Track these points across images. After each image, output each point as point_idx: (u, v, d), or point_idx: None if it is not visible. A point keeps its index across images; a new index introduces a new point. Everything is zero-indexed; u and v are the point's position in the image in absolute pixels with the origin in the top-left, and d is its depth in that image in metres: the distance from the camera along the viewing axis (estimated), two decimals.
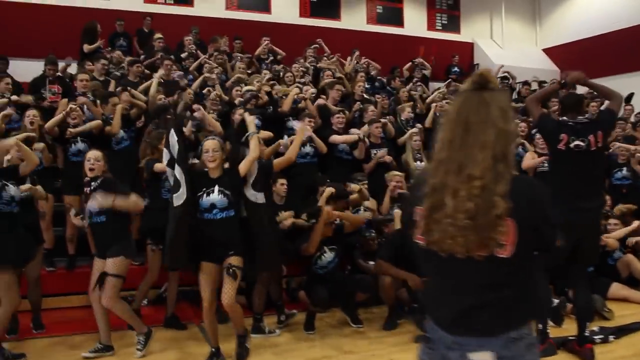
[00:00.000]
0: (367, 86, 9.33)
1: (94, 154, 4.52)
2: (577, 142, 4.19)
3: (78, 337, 4.86)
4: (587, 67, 13.24)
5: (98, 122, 6.06)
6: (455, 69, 13.38)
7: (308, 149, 6.80)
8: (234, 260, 4.14)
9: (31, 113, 5.62)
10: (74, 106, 5.87)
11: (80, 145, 5.85)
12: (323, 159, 6.92)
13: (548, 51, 15.79)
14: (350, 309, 5.33)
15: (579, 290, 4.35)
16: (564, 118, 4.33)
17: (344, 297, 5.27)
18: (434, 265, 1.75)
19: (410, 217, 1.80)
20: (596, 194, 4.32)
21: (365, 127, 7.09)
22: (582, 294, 4.32)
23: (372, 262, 5.74)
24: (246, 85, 7.86)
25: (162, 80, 7.54)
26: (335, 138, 6.88)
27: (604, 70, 13.10)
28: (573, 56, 14.48)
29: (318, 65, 9.81)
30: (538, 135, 7.03)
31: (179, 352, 4.61)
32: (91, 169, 4.45)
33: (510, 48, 15.20)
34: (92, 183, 4.44)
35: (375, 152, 6.97)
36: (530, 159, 6.97)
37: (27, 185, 4.67)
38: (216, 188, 4.19)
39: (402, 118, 7.91)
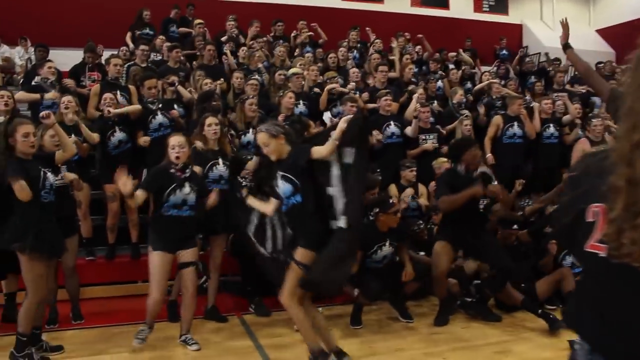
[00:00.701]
0: (415, 70, 8.93)
1: (177, 141, 4.22)
2: None
3: (116, 329, 4.71)
4: None
5: (137, 106, 5.88)
6: (504, 52, 12.82)
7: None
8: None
9: (66, 99, 5.45)
10: (110, 95, 5.74)
11: (119, 135, 5.67)
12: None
13: (602, 32, 15.05)
14: (399, 302, 5.02)
15: None
16: None
17: (394, 289, 4.96)
18: (622, 284, 1.25)
19: (578, 218, 1.32)
20: None
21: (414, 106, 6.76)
22: None
23: (422, 253, 5.44)
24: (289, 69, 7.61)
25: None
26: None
27: None
28: (629, 37, 13.58)
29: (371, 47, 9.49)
30: (595, 121, 6.60)
31: (219, 345, 4.39)
32: (177, 157, 4.18)
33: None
34: (186, 170, 4.28)
35: (423, 137, 6.63)
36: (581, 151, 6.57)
37: (72, 175, 4.56)
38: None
39: (454, 102, 7.52)
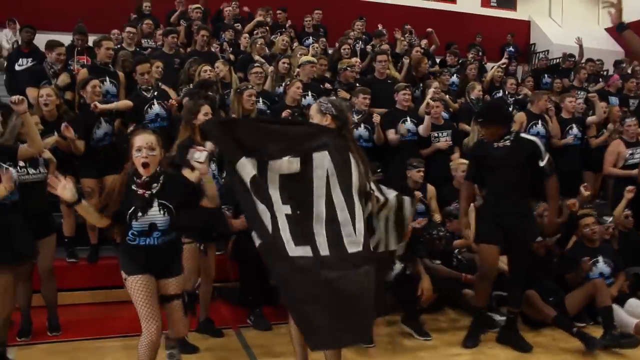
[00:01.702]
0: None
1: (146, 140, 3.03)
2: None
3: (99, 342, 4.18)
4: None
5: (128, 102, 5.33)
6: (510, 48, 12.36)
7: (361, 130, 6.03)
8: None
9: (44, 92, 4.85)
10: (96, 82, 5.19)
11: (105, 127, 5.12)
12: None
13: (611, 30, 14.61)
14: (413, 318, 4.49)
15: None
16: None
17: (406, 305, 4.44)
18: None
19: None
20: None
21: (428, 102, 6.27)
22: None
23: (438, 262, 4.94)
24: (289, 58, 7.09)
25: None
26: (388, 134, 6.13)
27: None
28: (638, 36, 13.31)
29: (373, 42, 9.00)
30: (629, 121, 6.16)
31: None
32: (145, 164, 3.02)
33: (570, 27, 14.08)
34: (154, 185, 3.08)
35: (436, 134, 6.13)
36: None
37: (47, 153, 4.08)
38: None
39: (472, 97, 7.02)
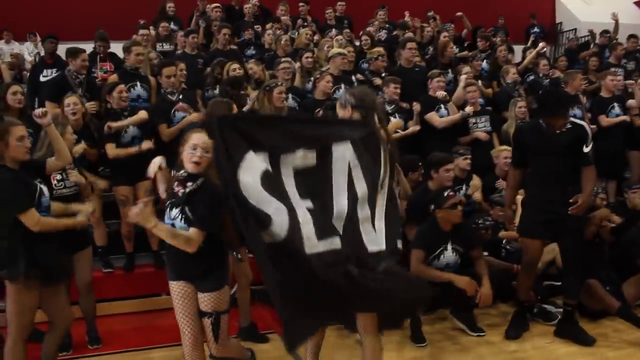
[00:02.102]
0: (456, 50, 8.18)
1: (202, 140, 2.88)
2: None
3: (141, 355, 4.05)
4: None
5: (142, 115, 5.10)
6: (535, 29, 11.99)
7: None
8: None
9: (70, 101, 4.71)
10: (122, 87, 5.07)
11: (133, 131, 4.98)
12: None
13: None
14: (465, 313, 4.28)
15: None
16: None
17: (458, 298, 4.15)
18: None
19: None
20: None
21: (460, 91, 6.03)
22: None
23: (486, 253, 4.71)
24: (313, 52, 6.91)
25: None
26: (433, 118, 5.89)
27: None
28: None
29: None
30: None
31: None
32: (197, 163, 2.89)
33: (598, 2, 13.60)
34: (190, 184, 2.93)
35: (474, 120, 5.89)
36: None
37: (77, 176, 3.90)
38: None
39: (508, 81, 6.76)
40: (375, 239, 2.70)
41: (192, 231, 2.83)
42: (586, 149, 4.02)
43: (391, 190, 2.87)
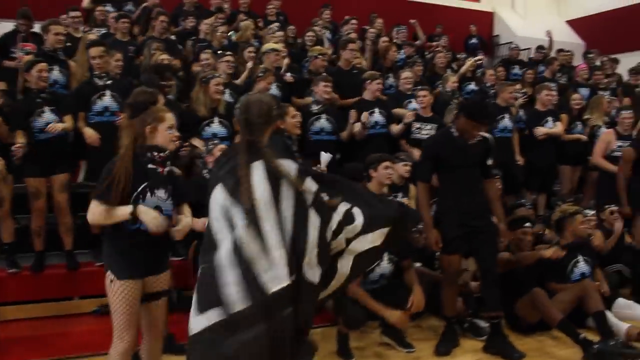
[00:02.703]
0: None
1: (173, 119, 2.95)
2: None
3: None
4: (614, 41, 12.41)
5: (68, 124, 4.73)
6: (474, 40, 12.19)
7: (323, 122, 5.61)
8: None
9: None
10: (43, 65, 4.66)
11: (49, 116, 4.58)
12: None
13: (572, 23, 14.63)
14: (394, 328, 4.08)
15: None
16: None
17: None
18: None
19: None
20: None
21: None
22: None
23: (418, 264, 4.62)
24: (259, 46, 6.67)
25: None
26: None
27: (632, 44, 12.06)
28: (598, 29, 13.41)
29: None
30: (625, 113, 6.00)
31: None
32: (175, 140, 2.98)
33: (533, 19, 13.99)
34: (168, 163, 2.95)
35: (418, 125, 5.78)
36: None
37: None
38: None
39: (447, 89, 6.72)
40: (275, 275, 2.29)
41: (185, 207, 2.95)
42: (489, 162, 4.08)
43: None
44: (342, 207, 2.52)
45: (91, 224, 2.77)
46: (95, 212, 2.67)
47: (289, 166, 2.45)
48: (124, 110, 3.35)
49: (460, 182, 3.97)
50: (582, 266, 4.66)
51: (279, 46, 6.44)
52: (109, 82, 4.95)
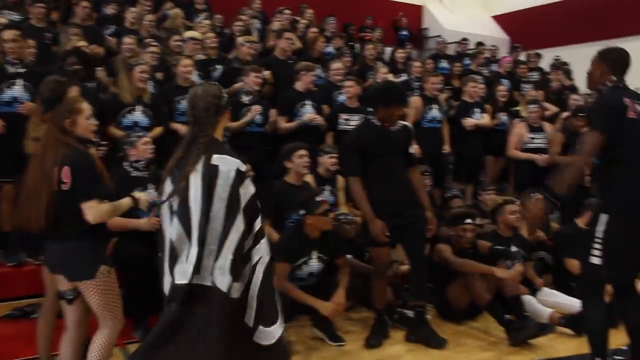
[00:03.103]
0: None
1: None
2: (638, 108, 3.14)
3: None
4: (538, 36, 12.85)
5: None
6: (404, 32, 12.34)
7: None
8: None
9: None
10: None
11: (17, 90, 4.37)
12: None
13: (497, 18, 15.06)
14: (325, 322, 4.05)
15: (633, 301, 3.28)
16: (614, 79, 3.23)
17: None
18: None
19: None
20: None
21: None
22: (638, 307, 3.29)
23: (349, 256, 4.59)
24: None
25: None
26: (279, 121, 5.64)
27: (556, 40, 12.53)
28: (523, 24, 13.87)
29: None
30: (532, 107, 6.27)
31: None
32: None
33: (460, 13, 14.33)
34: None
35: (346, 117, 5.74)
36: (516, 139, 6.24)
37: None
38: None
39: (378, 80, 6.69)
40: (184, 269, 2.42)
41: None
42: (412, 150, 4.08)
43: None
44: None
45: (94, 222, 2.70)
46: (103, 210, 2.69)
47: (230, 165, 2.42)
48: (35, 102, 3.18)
49: (387, 171, 3.91)
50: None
51: (199, 35, 6.24)
52: (21, 70, 4.63)
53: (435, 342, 3.97)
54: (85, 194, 2.64)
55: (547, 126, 6.52)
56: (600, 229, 3.10)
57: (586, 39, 11.41)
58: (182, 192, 2.42)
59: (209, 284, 2.38)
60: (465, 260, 4.37)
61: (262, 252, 2.52)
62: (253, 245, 2.48)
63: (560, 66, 8.88)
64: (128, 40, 5.95)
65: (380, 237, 3.85)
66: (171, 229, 2.47)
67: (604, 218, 3.10)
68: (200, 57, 6.27)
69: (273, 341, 2.52)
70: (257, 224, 2.50)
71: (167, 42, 6.18)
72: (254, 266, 2.49)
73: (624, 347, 3.47)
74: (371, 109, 4.02)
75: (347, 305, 4.18)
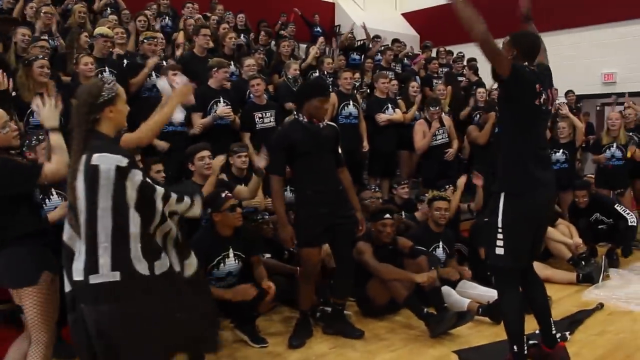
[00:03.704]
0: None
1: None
2: (544, 97, 3.25)
3: None
4: (448, 33, 13.23)
5: None
6: (318, 29, 12.34)
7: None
8: None
9: None
10: None
11: None
12: None
13: (407, 15, 15.42)
14: (247, 324, 3.97)
15: (535, 284, 3.44)
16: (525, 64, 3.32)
17: (241, 311, 3.89)
18: None
19: None
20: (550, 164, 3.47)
21: None
22: (540, 289, 3.45)
23: (268, 255, 4.53)
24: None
25: None
26: (193, 118, 5.45)
27: (463, 37, 12.88)
28: (433, 22, 14.22)
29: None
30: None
31: None
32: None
33: (371, 10, 14.56)
34: None
35: (260, 115, 5.65)
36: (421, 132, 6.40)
37: None
38: None
39: (289, 76, 6.66)
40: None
41: None
42: (339, 149, 4.05)
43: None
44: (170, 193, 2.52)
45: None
46: None
47: (109, 164, 2.33)
48: None
49: (317, 169, 3.84)
50: (439, 252, 4.91)
51: (109, 31, 5.95)
52: None
53: (352, 334, 4.02)
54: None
55: (446, 120, 6.73)
56: (499, 218, 3.18)
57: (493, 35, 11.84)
58: (70, 193, 2.42)
59: (115, 279, 2.32)
60: (383, 265, 4.34)
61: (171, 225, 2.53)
62: (161, 222, 2.47)
63: (467, 62, 9.19)
64: (22, 30, 5.58)
65: (289, 243, 3.85)
66: (64, 230, 2.49)
67: (501, 204, 3.18)
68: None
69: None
70: (160, 206, 2.44)
71: (78, 39, 5.84)
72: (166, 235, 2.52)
73: (537, 332, 3.60)
74: (296, 107, 3.95)
75: (269, 306, 4.11)
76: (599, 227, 6.05)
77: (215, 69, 5.55)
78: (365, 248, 4.43)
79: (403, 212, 5.48)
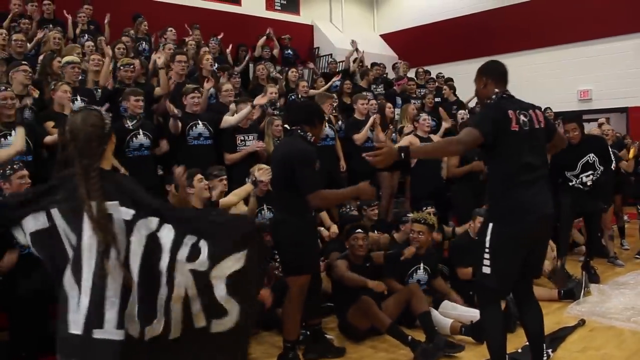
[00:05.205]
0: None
1: None
2: (523, 119, 3.20)
3: None
4: (424, 54, 13.45)
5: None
6: (289, 51, 12.21)
7: (141, 138, 5.28)
8: None
9: None
10: None
11: None
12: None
13: (385, 37, 15.64)
14: None
15: (531, 309, 3.40)
16: (497, 91, 3.32)
17: None
18: None
19: None
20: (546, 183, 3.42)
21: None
22: (536, 314, 3.39)
23: None
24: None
25: None
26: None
27: (440, 58, 13.21)
28: (410, 43, 14.46)
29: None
30: (424, 115, 6.38)
31: None
32: None
33: (349, 32, 14.64)
34: None
35: (242, 138, 5.63)
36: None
37: None
38: None
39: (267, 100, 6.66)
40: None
41: None
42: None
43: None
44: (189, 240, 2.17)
45: None
46: None
47: (119, 214, 2.08)
48: None
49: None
50: (420, 274, 4.88)
51: (75, 58, 5.91)
52: None
53: (334, 354, 4.00)
54: None
55: (434, 138, 6.71)
56: (487, 238, 3.17)
57: (467, 56, 12.09)
58: (75, 233, 2.07)
59: (119, 337, 2.02)
60: (349, 274, 4.38)
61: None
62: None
63: (446, 82, 9.29)
64: None
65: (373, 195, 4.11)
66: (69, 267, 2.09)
67: (490, 227, 3.18)
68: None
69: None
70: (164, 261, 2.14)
71: (50, 64, 5.80)
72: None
73: (519, 350, 3.57)
74: (305, 126, 3.83)
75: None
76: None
77: (184, 96, 5.63)
78: (340, 263, 4.48)
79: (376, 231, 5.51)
